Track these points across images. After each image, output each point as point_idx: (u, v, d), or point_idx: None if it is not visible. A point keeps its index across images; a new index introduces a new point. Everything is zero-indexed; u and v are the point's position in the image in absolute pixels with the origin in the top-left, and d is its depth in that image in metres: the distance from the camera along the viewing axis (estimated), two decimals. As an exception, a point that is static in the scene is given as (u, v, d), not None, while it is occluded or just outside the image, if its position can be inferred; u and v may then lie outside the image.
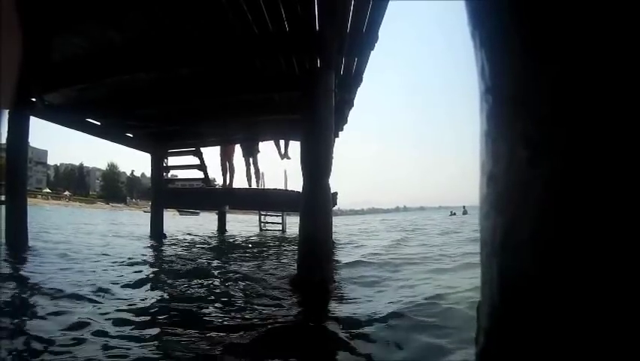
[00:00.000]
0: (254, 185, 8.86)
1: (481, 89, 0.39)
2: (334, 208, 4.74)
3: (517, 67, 0.35)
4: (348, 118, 6.91)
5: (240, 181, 8.89)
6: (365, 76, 4.68)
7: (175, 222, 14.99)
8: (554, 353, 0.31)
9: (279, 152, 8.45)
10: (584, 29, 0.30)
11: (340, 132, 7.31)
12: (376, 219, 29.34)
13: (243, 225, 15.39)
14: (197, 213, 30.03)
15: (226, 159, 8.56)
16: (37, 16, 3.01)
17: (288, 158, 8.48)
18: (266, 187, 8.81)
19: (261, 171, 9.01)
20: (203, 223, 16.83)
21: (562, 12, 0.31)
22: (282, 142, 8.35)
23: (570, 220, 0.30)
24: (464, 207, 32.59)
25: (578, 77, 0.30)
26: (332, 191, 3.43)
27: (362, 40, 3.56)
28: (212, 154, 8.84)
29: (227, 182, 8.69)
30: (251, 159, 8.67)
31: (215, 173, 9.75)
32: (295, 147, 7.88)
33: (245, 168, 8.73)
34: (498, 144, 0.37)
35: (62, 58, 4.02)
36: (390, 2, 3.12)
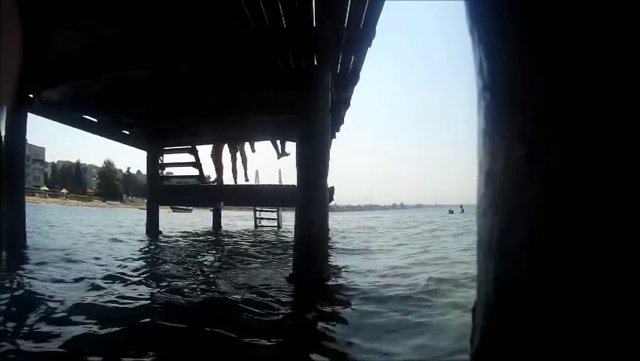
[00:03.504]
0: (241, 174, 8.89)
1: (479, 86, 0.39)
2: (330, 204, 4.69)
3: (514, 64, 0.35)
4: (345, 118, 6.88)
5: (230, 178, 8.97)
6: (361, 74, 4.65)
7: (168, 219, 14.87)
8: (549, 354, 0.31)
9: (277, 151, 8.45)
10: (582, 28, 0.30)
11: (337, 132, 7.28)
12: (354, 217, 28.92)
13: (238, 221, 15.35)
14: (190, 210, 30.05)
15: (216, 157, 8.62)
16: (35, 13, 2.98)
17: (287, 154, 8.48)
18: (260, 183, 8.82)
19: (248, 160, 9.00)
20: (197, 220, 16.73)
21: (560, 10, 0.31)
22: (277, 141, 8.36)
23: (566, 219, 0.30)
24: (461, 206, 33.09)
25: (575, 76, 0.30)
26: (328, 185, 3.40)
27: (359, 36, 3.50)
28: (206, 152, 8.89)
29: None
30: (237, 153, 8.70)
31: (210, 170, 9.71)
32: (292, 145, 7.90)
33: (231, 164, 8.77)
34: (495, 142, 0.37)
35: (59, 54, 3.99)
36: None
